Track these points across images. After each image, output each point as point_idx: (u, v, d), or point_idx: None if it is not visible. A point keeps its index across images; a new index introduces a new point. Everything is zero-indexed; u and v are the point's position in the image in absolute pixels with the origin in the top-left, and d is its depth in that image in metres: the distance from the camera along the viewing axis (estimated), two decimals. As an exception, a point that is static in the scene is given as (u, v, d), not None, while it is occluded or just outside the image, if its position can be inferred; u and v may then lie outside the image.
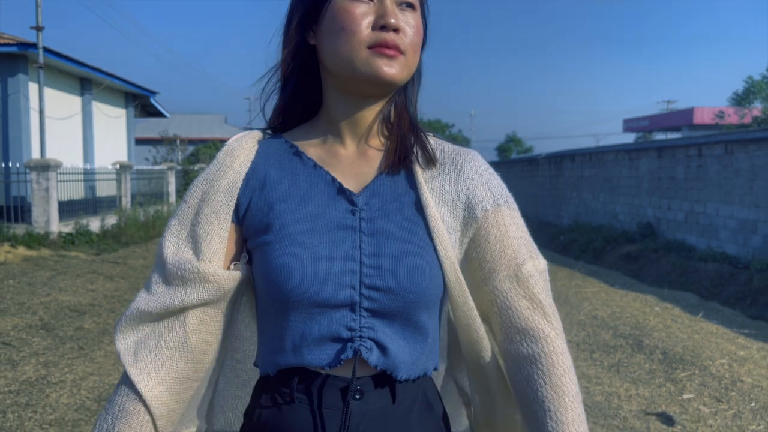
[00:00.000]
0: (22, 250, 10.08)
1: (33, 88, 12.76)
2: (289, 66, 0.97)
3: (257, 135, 1.00)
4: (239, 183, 0.93)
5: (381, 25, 0.88)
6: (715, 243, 9.78)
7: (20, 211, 11.85)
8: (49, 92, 13.24)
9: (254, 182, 0.94)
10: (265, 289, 0.91)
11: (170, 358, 0.90)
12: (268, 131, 1.02)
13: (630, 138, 40.88)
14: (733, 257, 9.02)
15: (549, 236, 15.00)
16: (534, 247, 0.98)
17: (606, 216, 14.09)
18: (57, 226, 11.49)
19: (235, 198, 0.93)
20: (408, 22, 0.91)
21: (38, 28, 11.73)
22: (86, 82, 15.51)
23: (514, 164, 23.73)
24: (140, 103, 19.38)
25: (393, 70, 0.89)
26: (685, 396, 3.64)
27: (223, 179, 0.93)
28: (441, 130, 62.26)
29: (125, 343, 0.91)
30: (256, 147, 0.98)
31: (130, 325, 0.91)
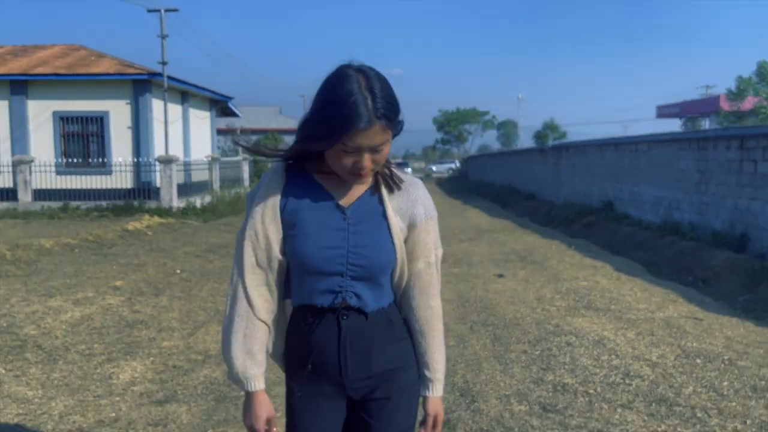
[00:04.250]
0: (156, 219, 14.82)
1: (156, 103, 17.62)
2: (304, 134, 1.55)
3: (283, 165, 1.64)
4: (279, 200, 1.59)
5: (358, 167, 1.49)
6: (642, 214, 13.73)
7: (148, 192, 16.78)
8: (159, 104, 18.10)
9: (288, 197, 1.60)
10: (292, 262, 1.61)
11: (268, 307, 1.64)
12: (285, 164, 1.64)
13: (669, 123, 43.51)
14: (650, 222, 12.97)
15: (544, 212, 18.99)
16: (439, 242, 1.69)
17: (586, 196, 17.99)
18: (176, 203, 16.34)
19: (279, 210, 1.59)
20: (377, 160, 1.51)
21: (163, 63, 16.54)
22: (185, 94, 20.38)
23: (531, 153, 27.46)
24: (220, 106, 24.26)
25: (362, 182, 1.57)
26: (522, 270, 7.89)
27: (272, 199, 1.60)
28: (475, 117, 65.43)
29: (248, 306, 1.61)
30: (285, 174, 1.62)
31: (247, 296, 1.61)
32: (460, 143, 64.37)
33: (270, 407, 1.66)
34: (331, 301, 1.59)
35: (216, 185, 19.86)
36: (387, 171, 1.61)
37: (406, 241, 1.63)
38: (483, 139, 72.96)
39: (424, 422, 1.69)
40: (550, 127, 70.18)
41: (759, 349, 4.38)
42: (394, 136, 1.53)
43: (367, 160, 1.49)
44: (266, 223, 1.59)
